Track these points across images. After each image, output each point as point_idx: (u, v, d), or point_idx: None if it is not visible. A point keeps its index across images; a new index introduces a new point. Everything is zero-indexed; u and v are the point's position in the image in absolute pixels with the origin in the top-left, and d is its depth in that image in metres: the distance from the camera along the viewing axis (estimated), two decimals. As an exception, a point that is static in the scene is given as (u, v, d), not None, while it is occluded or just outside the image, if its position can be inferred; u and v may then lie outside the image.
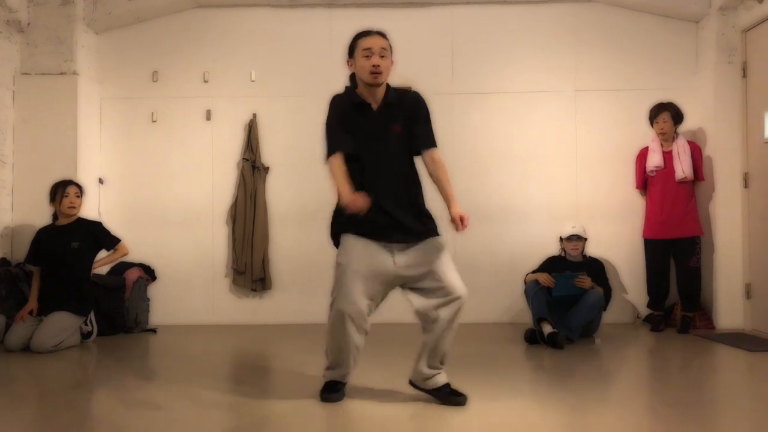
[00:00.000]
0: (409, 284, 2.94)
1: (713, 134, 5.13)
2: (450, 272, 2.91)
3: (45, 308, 4.45)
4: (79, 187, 4.68)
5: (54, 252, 4.53)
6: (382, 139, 2.94)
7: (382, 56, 2.90)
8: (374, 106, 2.97)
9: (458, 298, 2.87)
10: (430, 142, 2.99)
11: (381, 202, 2.88)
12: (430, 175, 3.00)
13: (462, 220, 2.86)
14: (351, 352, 2.94)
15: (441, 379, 2.97)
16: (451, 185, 2.97)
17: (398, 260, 2.90)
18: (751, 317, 4.93)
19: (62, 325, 4.36)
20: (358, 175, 2.91)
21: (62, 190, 4.59)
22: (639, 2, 5.42)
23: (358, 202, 2.77)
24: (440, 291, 2.88)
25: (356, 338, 2.90)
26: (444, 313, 2.87)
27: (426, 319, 2.92)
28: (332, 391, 3.01)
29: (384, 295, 2.98)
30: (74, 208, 4.61)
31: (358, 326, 2.88)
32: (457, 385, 2.99)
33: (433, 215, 3.02)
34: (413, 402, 2.96)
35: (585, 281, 4.53)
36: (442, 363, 2.98)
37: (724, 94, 5.08)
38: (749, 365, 3.85)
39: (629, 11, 5.51)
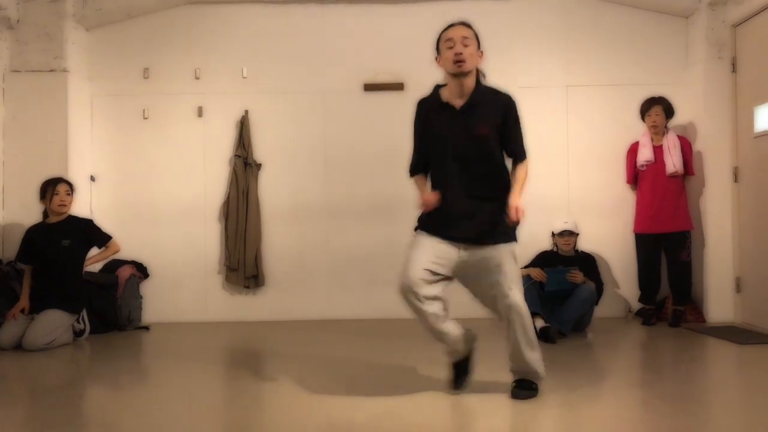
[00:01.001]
0: (465, 281, 2.92)
1: (703, 129, 5.16)
2: (505, 285, 2.81)
3: (37, 306, 4.44)
4: (70, 184, 4.66)
5: (45, 250, 4.51)
6: (462, 141, 2.88)
7: (465, 45, 2.87)
8: (458, 105, 2.90)
9: (510, 317, 2.82)
10: (520, 156, 2.95)
11: (453, 203, 2.87)
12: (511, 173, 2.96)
13: (516, 210, 2.76)
14: (434, 323, 2.85)
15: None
16: (522, 183, 2.90)
17: (462, 254, 2.87)
18: (742, 310, 4.97)
19: (54, 323, 4.35)
20: (436, 174, 2.97)
21: (52, 187, 4.56)
22: (630, -2, 5.45)
23: (428, 201, 2.88)
24: (495, 299, 2.84)
25: (426, 308, 2.81)
26: (508, 324, 2.85)
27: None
28: (455, 376, 3.02)
29: (447, 277, 2.89)
30: (65, 206, 4.59)
31: (416, 296, 2.78)
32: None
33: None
34: (408, 397, 2.97)
35: (577, 276, 4.55)
36: (523, 374, 2.94)
37: (714, 89, 5.11)
38: (739, 358, 3.88)
39: (620, 6, 5.53)
